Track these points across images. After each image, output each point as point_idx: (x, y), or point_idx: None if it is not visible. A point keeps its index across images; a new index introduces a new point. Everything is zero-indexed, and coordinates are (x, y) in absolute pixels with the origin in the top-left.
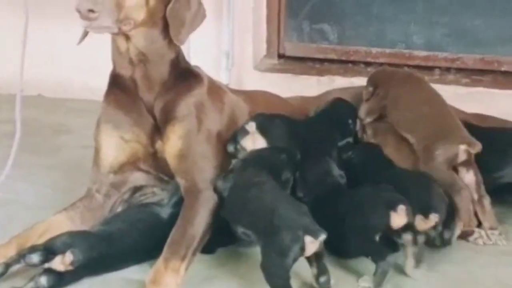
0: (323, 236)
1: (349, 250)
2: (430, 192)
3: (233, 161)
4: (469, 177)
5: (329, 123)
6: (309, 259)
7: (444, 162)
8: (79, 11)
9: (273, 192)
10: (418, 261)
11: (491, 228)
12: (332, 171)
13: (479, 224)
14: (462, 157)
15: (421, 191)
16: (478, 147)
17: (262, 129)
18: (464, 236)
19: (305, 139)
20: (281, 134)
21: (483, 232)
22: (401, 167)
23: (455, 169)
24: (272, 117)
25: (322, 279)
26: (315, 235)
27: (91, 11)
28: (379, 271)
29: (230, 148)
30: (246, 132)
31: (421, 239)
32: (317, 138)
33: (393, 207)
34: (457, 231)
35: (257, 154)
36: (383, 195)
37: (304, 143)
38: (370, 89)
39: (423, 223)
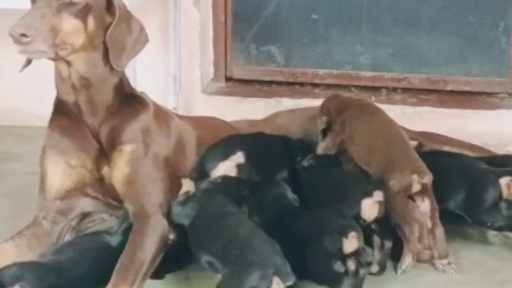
0: (291, 282)
1: (308, 271)
2: None
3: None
4: (424, 205)
5: (282, 148)
6: None
7: (399, 192)
8: (11, 36)
9: (247, 225)
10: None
11: (440, 257)
12: (287, 195)
13: None
14: (416, 187)
15: None
16: (428, 177)
17: (249, 159)
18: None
19: (261, 162)
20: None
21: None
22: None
23: (412, 198)
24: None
25: None
26: (284, 279)
27: (24, 35)
28: None
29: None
30: (219, 162)
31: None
32: (272, 162)
33: (345, 233)
34: (406, 261)
35: (225, 184)
36: (338, 221)
37: (260, 166)
38: (324, 118)
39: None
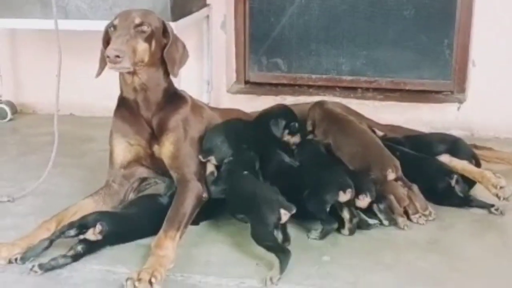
0: (294, 210)
1: (304, 215)
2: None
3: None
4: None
5: (266, 125)
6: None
7: (379, 182)
8: (108, 57)
9: (252, 182)
10: (352, 231)
11: (422, 208)
12: (284, 160)
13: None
14: (390, 176)
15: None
16: (389, 170)
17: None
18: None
19: (258, 140)
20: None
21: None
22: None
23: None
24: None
25: (286, 244)
26: (288, 209)
27: (117, 56)
28: (324, 231)
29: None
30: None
31: (355, 220)
32: (266, 138)
33: (343, 189)
34: (399, 220)
35: (236, 160)
36: (337, 180)
37: (258, 143)
38: (310, 122)
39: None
